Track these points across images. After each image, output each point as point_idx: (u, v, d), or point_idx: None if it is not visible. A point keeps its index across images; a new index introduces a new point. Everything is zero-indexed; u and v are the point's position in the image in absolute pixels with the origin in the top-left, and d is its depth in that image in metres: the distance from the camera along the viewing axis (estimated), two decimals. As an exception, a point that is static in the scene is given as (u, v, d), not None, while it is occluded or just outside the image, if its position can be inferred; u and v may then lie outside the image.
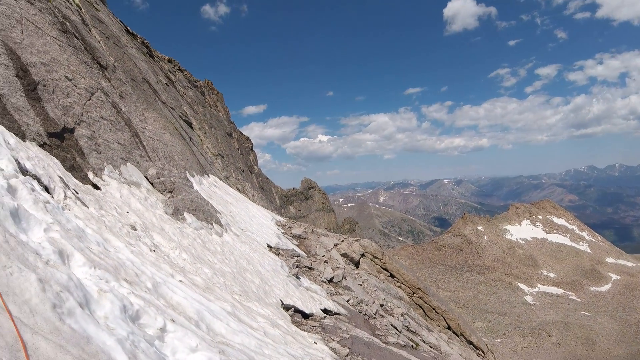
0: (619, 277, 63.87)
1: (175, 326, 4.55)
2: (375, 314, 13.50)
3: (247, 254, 11.90)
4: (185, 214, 10.54)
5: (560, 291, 59.36)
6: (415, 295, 20.33)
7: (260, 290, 9.73)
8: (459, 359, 16.09)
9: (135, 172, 10.21)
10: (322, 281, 14.01)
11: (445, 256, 66.22)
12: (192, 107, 34.07)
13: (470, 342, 21.07)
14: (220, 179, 22.83)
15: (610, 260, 70.53)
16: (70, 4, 14.11)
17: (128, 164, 10.14)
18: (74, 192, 6.80)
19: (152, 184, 10.71)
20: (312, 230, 20.78)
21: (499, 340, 44.68)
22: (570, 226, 79.65)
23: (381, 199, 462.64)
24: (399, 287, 20.10)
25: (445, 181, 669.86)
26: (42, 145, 7.32)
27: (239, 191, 27.17)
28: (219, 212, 13.23)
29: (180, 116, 24.69)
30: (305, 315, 10.10)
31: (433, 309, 20.45)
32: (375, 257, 20.67)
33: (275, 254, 14.27)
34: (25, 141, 6.84)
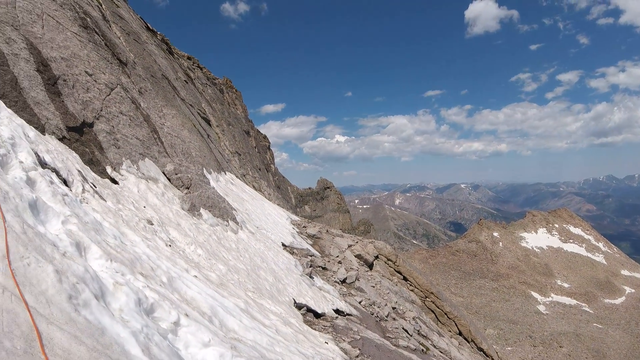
0: (633, 291, 62.48)
1: (188, 321, 4.57)
2: (387, 317, 13.42)
3: (262, 251, 11.93)
4: (202, 210, 10.60)
5: (573, 302, 58.33)
6: (427, 299, 20.17)
7: (273, 288, 9.74)
8: (471, 364, 15.91)
9: (153, 167, 10.31)
10: (335, 281, 13.97)
11: (460, 261, 65.53)
12: (210, 104, 34.31)
13: (481, 349, 20.82)
14: (236, 176, 22.95)
15: (625, 272, 69.04)
16: (91, 0, 14.31)
17: (146, 159, 10.24)
18: (92, 185, 6.88)
19: (169, 179, 10.80)
20: (327, 231, 20.75)
21: (509, 348, 44.10)
22: (586, 236, 78.17)
23: (397, 202, 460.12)
24: (412, 290, 19.95)
25: (463, 186, 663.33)
26: (62, 139, 7.42)
27: (255, 189, 27.28)
28: (234, 210, 13.29)
29: (198, 113, 24.88)
30: (317, 315, 10.08)
31: (445, 314, 20.26)
32: (389, 259, 20.56)
33: (290, 252, 14.28)
34: (44, 135, 6.95)
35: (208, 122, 28.39)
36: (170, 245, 7.32)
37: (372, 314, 12.82)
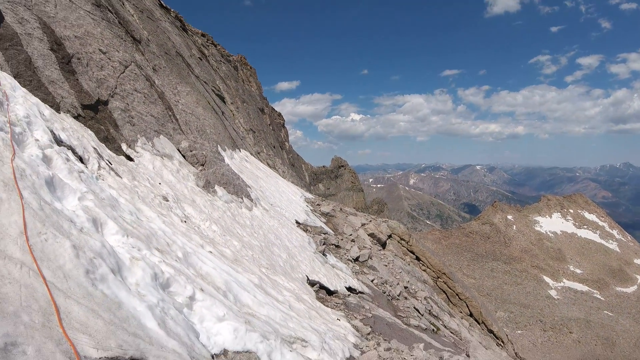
0: (645, 280, 62.01)
1: (203, 295, 4.64)
2: (398, 296, 13.49)
3: (276, 228, 12.01)
4: (216, 187, 10.67)
5: (585, 288, 58.00)
6: (439, 279, 20.20)
7: (287, 264, 9.83)
8: (478, 346, 15.99)
9: (168, 144, 10.37)
10: (348, 259, 14.05)
11: (473, 243, 65.37)
12: (224, 81, 34.21)
13: (491, 331, 20.88)
14: (251, 154, 23.00)
15: (638, 261, 68.29)
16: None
17: (161, 136, 10.29)
18: (107, 162, 6.95)
19: (184, 156, 10.86)
20: (341, 209, 20.79)
21: (519, 332, 44.21)
22: (601, 223, 77.14)
23: (411, 182, 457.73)
24: (424, 270, 20.00)
25: (478, 167, 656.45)
26: (77, 117, 7.48)
27: (270, 167, 27.35)
28: (249, 187, 13.36)
29: (213, 90, 24.84)
30: (330, 292, 10.17)
31: (457, 294, 20.30)
32: (402, 239, 20.57)
33: (303, 230, 14.36)
34: (59, 113, 7.00)
35: (222, 99, 28.35)
36: (185, 222, 7.40)
37: (384, 293, 12.90)
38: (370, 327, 8.68)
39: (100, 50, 9.57)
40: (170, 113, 11.95)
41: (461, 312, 19.97)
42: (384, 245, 18.95)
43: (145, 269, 4.13)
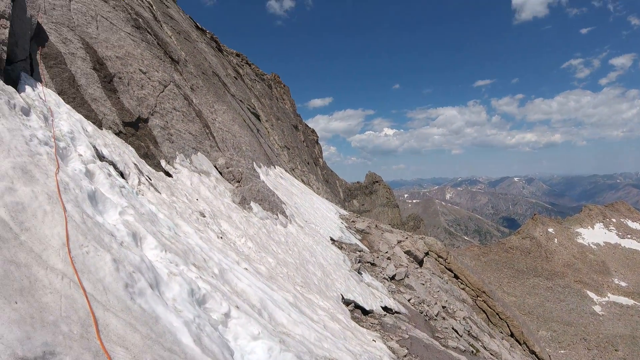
0: (695, 293, 58.15)
1: (239, 313, 4.60)
2: (436, 316, 13.11)
3: (310, 245, 11.95)
4: (252, 204, 10.74)
5: (631, 302, 54.84)
6: (479, 298, 19.56)
7: (321, 283, 9.72)
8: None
9: (205, 161, 10.54)
10: (384, 278, 13.79)
11: (513, 259, 63.21)
12: (259, 99, 34.79)
13: (533, 352, 19.98)
14: (285, 170, 23.15)
15: (686, 271, 64.26)
16: (142, 1, 14.79)
17: (199, 153, 10.48)
18: (147, 178, 7.09)
19: (220, 173, 11.00)
20: (376, 226, 20.55)
21: (562, 351, 42.13)
22: (645, 231, 73.33)
23: (447, 196, 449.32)
24: (463, 289, 19.42)
25: (516, 179, 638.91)
26: (118, 134, 7.70)
27: (304, 183, 27.43)
28: (284, 203, 13.39)
29: (248, 108, 25.27)
30: (365, 312, 9.97)
31: (497, 314, 19.58)
32: (439, 256, 20.10)
33: (338, 247, 14.23)
34: (102, 129, 7.23)
35: (257, 117, 28.79)
36: (221, 237, 7.44)
37: (421, 313, 12.56)
38: (407, 348, 8.43)
39: (140, 70, 9.89)
40: (207, 131, 12.18)
41: (501, 333, 19.23)
42: (420, 263, 18.55)
43: (182, 284, 4.13)
